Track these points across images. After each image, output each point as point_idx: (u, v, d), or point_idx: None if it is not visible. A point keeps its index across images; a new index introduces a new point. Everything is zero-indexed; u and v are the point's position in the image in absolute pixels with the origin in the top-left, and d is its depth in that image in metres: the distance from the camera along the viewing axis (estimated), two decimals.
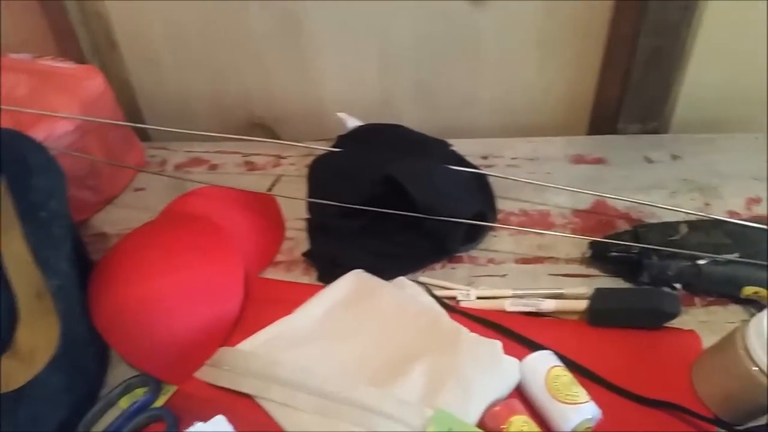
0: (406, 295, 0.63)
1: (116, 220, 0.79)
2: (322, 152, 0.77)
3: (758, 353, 0.49)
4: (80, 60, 0.86)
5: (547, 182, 0.73)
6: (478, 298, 0.65)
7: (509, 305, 0.64)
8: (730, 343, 0.52)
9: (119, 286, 0.62)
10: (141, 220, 0.73)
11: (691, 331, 0.60)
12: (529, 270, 0.69)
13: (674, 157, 0.81)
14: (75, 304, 0.61)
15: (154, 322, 0.61)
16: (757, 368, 0.49)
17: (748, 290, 0.62)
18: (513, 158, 0.83)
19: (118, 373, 0.62)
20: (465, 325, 0.60)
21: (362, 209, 0.66)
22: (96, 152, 0.77)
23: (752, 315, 0.61)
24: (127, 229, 0.73)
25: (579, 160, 0.82)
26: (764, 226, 0.63)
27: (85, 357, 0.60)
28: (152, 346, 0.61)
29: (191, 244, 0.66)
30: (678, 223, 0.66)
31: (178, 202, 0.75)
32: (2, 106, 0.69)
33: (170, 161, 0.89)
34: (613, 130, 0.86)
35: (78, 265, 0.63)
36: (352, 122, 0.80)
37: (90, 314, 0.62)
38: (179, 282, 0.62)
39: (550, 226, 0.74)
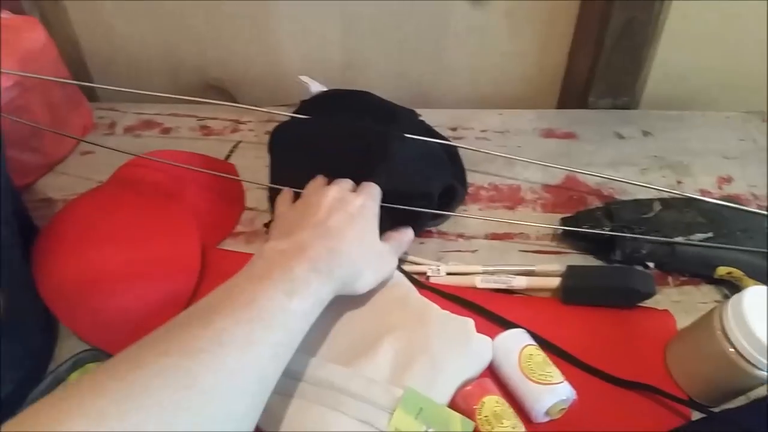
0: None
1: (62, 185, 0.73)
2: (284, 118, 0.72)
3: (736, 335, 0.48)
4: (18, 12, 0.79)
5: (517, 156, 0.71)
6: (448, 273, 0.63)
7: (480, 282, 0.62)
8: (706, 324, 0.51)
9: (66, 256, 0.58)
10: (88, 186, 0.68)
11: (665, 310, 0.59)
12: (499, 246, 0.67)
13: (645, 134, 0.80)
14: (17, 273, 0.56)
15: (104, 294, 0.57)
16: (734, 350, 0.48)
17: (722, 270, 0.61)
18: (482, 130, 0.81)
19: (68, 346, 0.57)
20: (435, 302, 0.58)
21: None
22: (38, 112, 0.71)
23: (725, 296, 0.61)
24: (73, 194, 0.68)
25: (549, 134, 0.80)
26: (738, 206, 0.62)
27: (30, 329, 0.56)
28: (102, 319, 0.57)
29: (143, 212, 0.62)
30: (651, 200, 0.64)
31: (129, 168, 0.70)
32: None
33: (120, 123, 0.83)
34: (583, 104, 0.84)
35: (21, 232, 0.58)
36: (316, 87, 0.75)
37: (35, 284, 0.57)
38: (129, 251, 0.58)
39: (520, 201, 0.72)
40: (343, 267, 0.50)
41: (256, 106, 0.72)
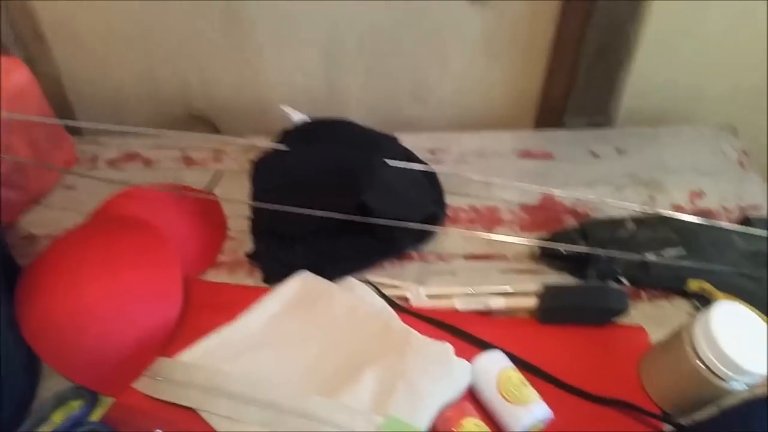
0: (355, 298, 0.61)
1: (45, 221, 0.74)
2: (265, 147, 0.74)
3: (704, 350, 0.49)
4: (2, 53, 0.80)
5: (495, 177, 0.73)
6: (428, 296, 0.64)
7: (459, 303, 0.63)
8: (676, 340, 0.52)
9: (48, 294, 0.59)
10: (72, 220, 0.69)
11: (638, 326, 0.61)
12: (478, 267, 0.69)
13: (620, 152, 0.81)
14: (1, 312, 0.57)
15: (86, 331, 0.57)
16: (703, 365, 0.50)
17: (694, 285, 0.63)
18: (461, 153, 0.82)
19: (51, 384, 0.58)
20: (416, 326, 0.59)
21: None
22: (21, 149, 0.72)
23: (697, 308, 0.63)
24: (56, 230, 0.69)
25: (526, 154, 0.82)
26: (707, 222, 0.64)
27: (13, 368, 0.56)
28: (85, 356, 0.57)
29: (124, 247, 0.63)
30: (624, 219, 0.66)
31: (111, 203, 0.71)
32: None
33: (102, 157, 0.84)
34: (559, 124, 0.86)
35: (4, 271, 0.59)
36: (297, 116, 0.77)
37: (18, 323, 0.57)
38: (112, 288, 0.59)
39: (498, 221, 0.73)
40: None
41: (239, 135, 0.73)
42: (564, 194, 0.74)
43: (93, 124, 0.72)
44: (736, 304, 0.52)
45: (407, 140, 0.78)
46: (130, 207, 0.70)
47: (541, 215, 0.74)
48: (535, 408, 0.51)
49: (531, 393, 0.52)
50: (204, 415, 0.53)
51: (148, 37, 0.86)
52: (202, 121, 0.93)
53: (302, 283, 0.62)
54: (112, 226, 0.67)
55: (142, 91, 0.92)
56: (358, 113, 0.83)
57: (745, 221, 0.67)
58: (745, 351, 0.48)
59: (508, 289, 0.64)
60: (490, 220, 0.74)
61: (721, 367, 0.49)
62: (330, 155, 0.67)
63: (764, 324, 0.51)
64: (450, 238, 0.72)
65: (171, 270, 0.62)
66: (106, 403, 0.57)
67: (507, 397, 0.52)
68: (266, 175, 0.69)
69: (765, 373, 0.49)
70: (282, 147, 0.71)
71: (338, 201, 0.63)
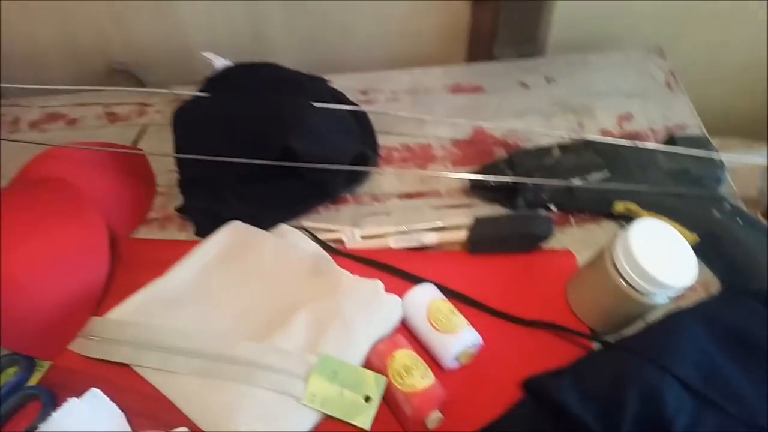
0: (285, 244, 0.61)
1: None
2: (188, 96, 0.71)
3: (624, 267, 0.51)
4: None
5: (427, 114, 0.72)
6: (363, 237, 0.64)
7: (393, 242, 0.64)
8: (599, 260, 0.54)
9: None
10: None
11: (565, 250, 0.62)
12: (412, 205, 0.69)
13: (549, 80, 0.81)
14: None
15: (14, 296, 0.56)
16: (624, 282, 0.51)
17: (620, 206, 0.64)
18: (393, 91, 0.81)
19: None
20: (350, 267, 0.59)
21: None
22: None
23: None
24: None
25: (457, 89, 0.81)
26: (630, 143, 0.65)
27: None
28: (15, 322, 0.56)
29: (47, 209, 0.61)
30: (551, 146, 0.66)
31: (31, 165, 0.68)
32: None
33: (24, 119, 0.81)
34: (489, 57, 0.85)
35: None
36: (220, 62, 0.74)
37: None
38: (36, 251, 0.57)
39: (431, 158, 0.73)
40: None
41: (163, 87, 0.71)
42: (493, 126, 0.74)
43: (9, 85, 0.68)
44: (654, 221, 0.53)
45: (338, 81, 0.76)
46: (52, 168, 0.68)
47: (472, 149, 0.74)
48: (464, 335, 0.53)
49: (460, 321, 0.53)
50: (137, 369, 0.53)
51: None
52: (126, 75, 0.90)
53: (232, 232, 0.62)
54: (33, 189, 0.65)
55: (61, 48, 0.88)
56: (286, 57, 0.80)
57: (670, 140, 0.68)
58: (664, 265, 0.50)
59: (440, 224, 0.64)
60: (423, 157, 0.73)
61: (641, 282, 0.50)
62: (252, 99, 0.65)
63: (681, 237, 0.52)
64: (384, 178, 0.72)
65: (95, 229, 0.61)
66: (44, 367, 0.56)
67: (436, 326, 0.53)
68: (187, 124, 0.67)
69: (684, 286, 0.50)
70: (204, 95, 0.68)
71: (263, 146, 0.62)
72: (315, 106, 0.67)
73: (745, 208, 0.65)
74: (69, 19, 0.84)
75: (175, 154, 0.65)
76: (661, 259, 0.50)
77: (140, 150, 0.74)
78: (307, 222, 0.67)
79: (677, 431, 0.43)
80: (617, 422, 0.44)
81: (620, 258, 0.51)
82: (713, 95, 0.99)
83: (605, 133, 0.74)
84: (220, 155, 0.62)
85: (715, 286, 0.62)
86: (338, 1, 0.84)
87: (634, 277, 0.50)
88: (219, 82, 0.71)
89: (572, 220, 0.66)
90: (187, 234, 0.67)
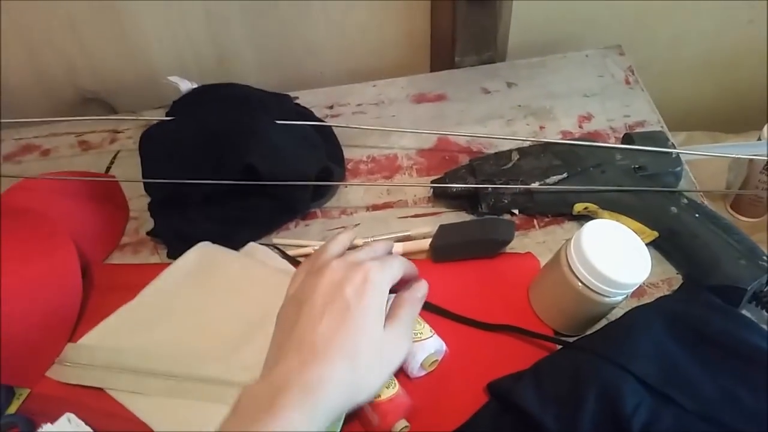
0: (252, 262, 0.62)
1: None
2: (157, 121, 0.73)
3: (580, 270, 0.52)
4: None
5: (391, 125, 0.74)
6: None
7: None
8: (556, 262, 0.55)
9: None
10: None
11: (527, 253, 0.63)
12: (380, 216, 0.70)
13: (510, 85, 0.83)
14: None
15: None
16: (581, 283, 0.52)
17: (579, 207, 0.65)
18: (358, 104, 0.83)
19: None
20: None
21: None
22: None
23: None
24: None
25: (421, 99, 0.82)
26: (588, 143, 0.66)
27: None
28: None
29: (16, 241, 0.62)
30: (510, 151, 0.68)
31: (6, 198, 0.69)
32: None
33: None
34: (452, 65, 0.87)
35: None
36: (186, 85, 0.75)
37: None
38: (7, 282, 0.59)
39: (398, 168, 0.75)
40: (330, 397, 0.43)
41: (135, 112, 0.72)
42: (454, 134, 0.75)
43: None
44: (606, 221, 0.54)
45: (305, 98, 0.78)
46: (23, 200, 0.69)
47: (437, 157, 0.75)
48: (429, 342, 0.54)
49: (424, 329, 0.55)
50: (111, 392, 0.54)
51: (25, 21, 0.82)
52: (98, 103, 0.91)
53: (199, 253, 0.63)
54: (6, 221, 0.66)
55: (30, 80, 0.89)
56: (253, 77, 0.82)
57: (626, 138, 0.69)
58: (617, 264, 0.51)
59: (406, 233, 0.65)
60: (389, 168, 0.75)
61: (596, 283, 0.51)
62: (213, 119, 0.67)
63: (634, 235, 0.54)
64: (352, 191, 0.73)
65: (67, 257, 0.62)
66: (23, 394, 0.58)
67: None
68: (153, 148, 0.68)
69: (638, 283, 0.52)
70: (162, 119, 0.70)
71: (225, 165, 0.63)
72: (277, 123, 0.68)
73: (704, 202, 0.67)
74: (38, 52, 0.86)
75: (143, 179, 0.67)
76: (614, 258, 0.51)
77: (112, 177, 0.75)
78: (277, 239, 0.68)
79: (636, 429, 0.44)
80: (576, 422, 0.46)
81: (574, 260, 0.52)
82: (676, 89, 1.01)
83: (565, 134, 0.76)
84: (185, 177, 0.63)
85: (677, 281, 0.63)
86: (300, 19, 0.85)
87: (589, 278, 0.52)
88: (184, 105, 0.73)
89: (536, 223, 0.67)
90: (160, 257, 0.68)
